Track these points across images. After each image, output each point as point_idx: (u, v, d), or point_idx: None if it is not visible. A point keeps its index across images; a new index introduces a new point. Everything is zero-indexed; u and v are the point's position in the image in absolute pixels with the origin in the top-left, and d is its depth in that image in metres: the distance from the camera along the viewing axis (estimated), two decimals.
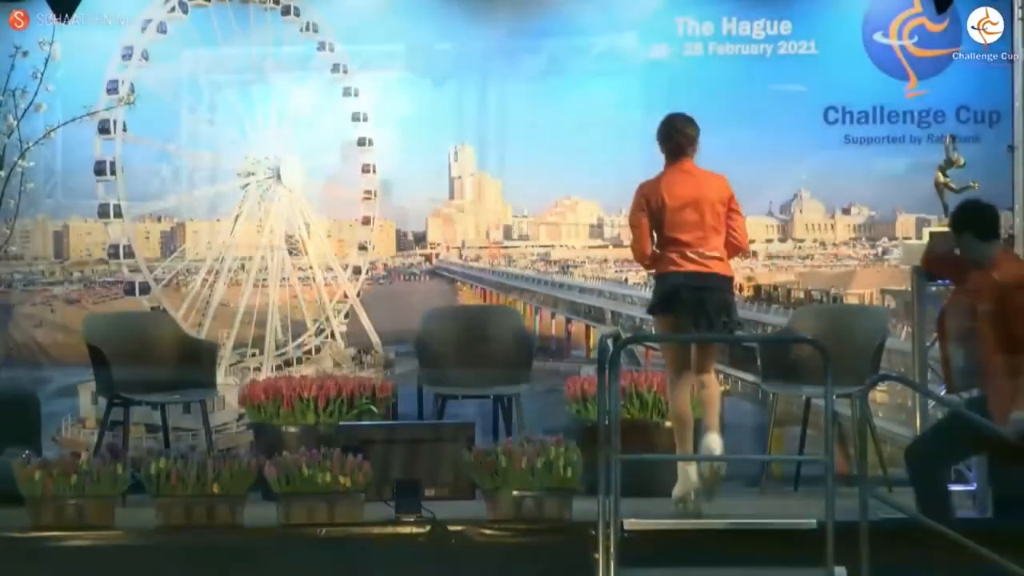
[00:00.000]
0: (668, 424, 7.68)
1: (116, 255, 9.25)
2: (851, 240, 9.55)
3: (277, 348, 9.42)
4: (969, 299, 6.13)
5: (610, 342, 6.10)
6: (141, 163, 9.20)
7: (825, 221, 9.68)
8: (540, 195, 9.72)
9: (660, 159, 6.93)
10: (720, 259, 6.81)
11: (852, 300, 9.22)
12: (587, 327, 9.63)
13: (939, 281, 7.43)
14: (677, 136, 6.88)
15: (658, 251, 6.81)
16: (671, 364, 6.92)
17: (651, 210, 6.79)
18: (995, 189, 8.92)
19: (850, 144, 9.15)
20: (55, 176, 8.94)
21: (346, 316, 9.51)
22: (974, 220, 6.25)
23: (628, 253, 9.54)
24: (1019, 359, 5.94)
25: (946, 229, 7.04)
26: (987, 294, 6.07)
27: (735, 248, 6.98)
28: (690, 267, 6.74)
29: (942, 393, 6.56)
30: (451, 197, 9.74)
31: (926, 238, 7.38)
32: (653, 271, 6.93)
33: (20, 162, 8.34)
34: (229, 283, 9.37)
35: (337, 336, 9.50)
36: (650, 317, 7.14)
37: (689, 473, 6.77)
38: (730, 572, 6.11)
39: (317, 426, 7.61)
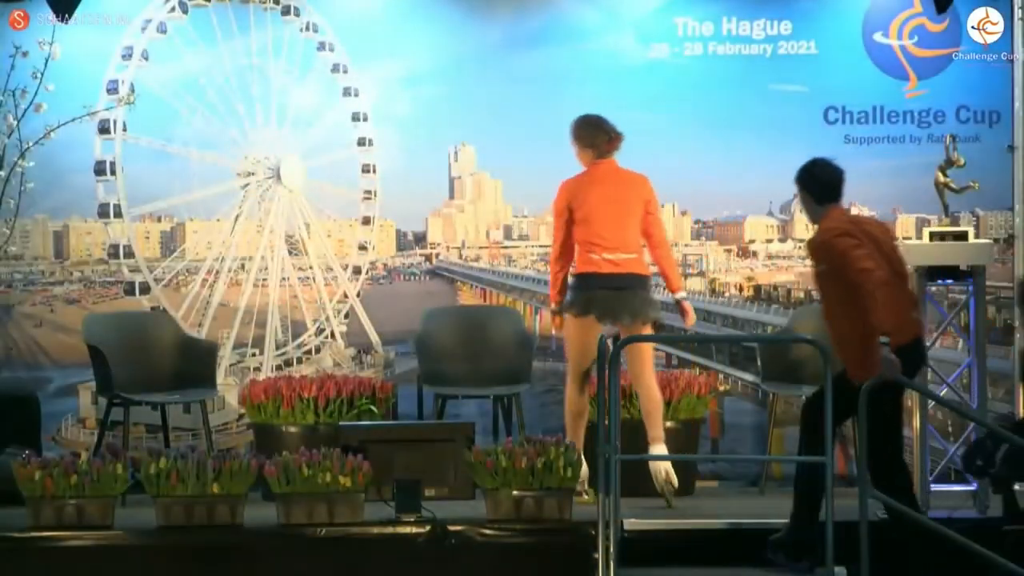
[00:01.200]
0: (668, 424, 7.72)
1: (116, 255, 9.25)
2: None
3: (277, 348, 9.42)
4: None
5: (610, 342, 6.11)
6: (141, 163, 9.20)
7: None
8: (540, 195, 9.69)
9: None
10: (637, 259, 6.91)
11: None
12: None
13: (939, 280, 7.44)
14: (605, 135, 6.98)
15: (577, 248, 6.96)
16: (573, 359, 7.07)
17: (572, 208, 6.89)
18: (995, 189, 8.94)
19: (850, 144, 9.15)
20: (55, 176, 8.93)
21: (346, 316, 9.51)
22: (810, 180, 6.23)
23: None
24: (854, 319, 5.92)
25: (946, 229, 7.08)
26: (812, 257, 6.12)
27: (656, 244, 7.09)
28: (607, 268, 6.86)
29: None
30: (451, 197, 9.74)
31: (926, 238, 7.38)
32: (572, 269, 7.07)
33: (20, 162, 8.34)
34: (229, 283, 9.37)
35: (337, 336, 9.50)
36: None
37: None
38: (730, 572, 6.12)
39: (317, 426, 7.62)
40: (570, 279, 7.10)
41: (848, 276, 5.87)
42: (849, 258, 5.88)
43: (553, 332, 7.40)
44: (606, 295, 6.88)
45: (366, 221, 9.60)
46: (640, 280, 6.98)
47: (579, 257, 6.99)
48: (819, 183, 6.19)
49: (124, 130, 9.11)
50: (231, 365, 9.26)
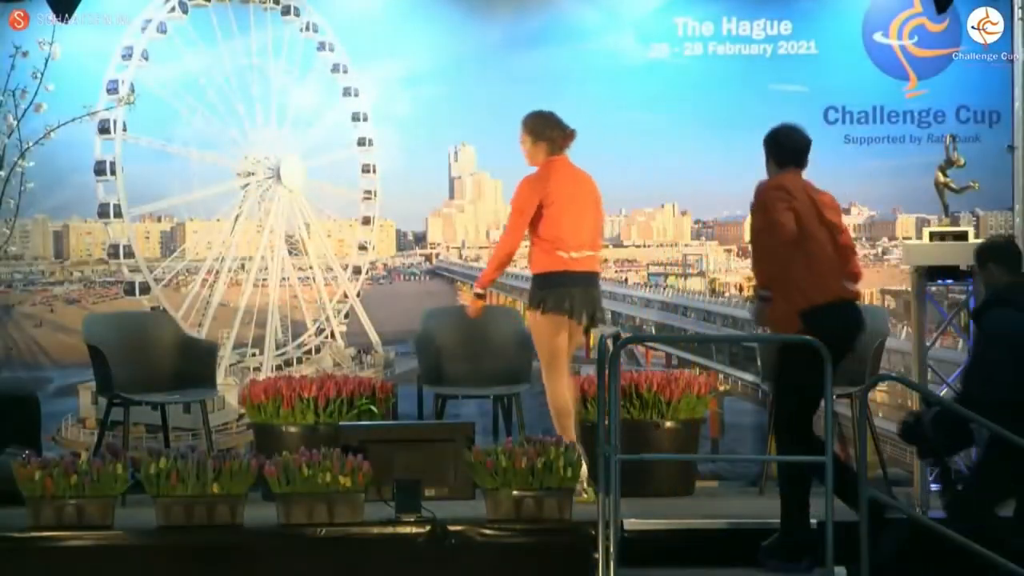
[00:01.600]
0: (668, 424, 7.73)
1: (116, 255, 9.25)
2: None
3: (277, 348, 9.42)
4: None
5: (610, 342, 6.11)
6: (141, 163, 9.20)
7: None
8: None
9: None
10: (595, 256, 7.00)
11: None
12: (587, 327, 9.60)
13: (939, 280, 7.45)
14: (560, 130, 7.00)
15: (542, 244, 6.97)
16: (547, 357, 7.09)
17: (542, 204, 6.91)
18: (995, 189, 8.94)
19: (850, 144, 9.16)
20: (55, 176, 8.93)
21: (346, 316, 9.51)
22: (774, 144, 6.26)
23: (628, 253, 9.58)
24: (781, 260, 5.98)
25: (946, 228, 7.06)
26: (751, 211, 6.21)
27: (598, 246, 7.20)
28: (575, 266, 6.90)
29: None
30: (451, 197, 9.74)
31: (926, 238, 7.39)
32: (534, 268, 7.07)
33: (20, 162, 8.33)
34: (229, 283, 9.37)
35: (337, 336, 9.50)
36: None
37: None
38: (730, 572, 6.12)
39: (317, 426, 7.62)
40: (532, 276, 7.11)
41: (766, 228, 5.94)
42: (772, 210, 5.93)
43: (470, 315, 7.34)
44: (576, 292, 6.94)
45: (366, 221, 9.60)
46: (597, 278, 7.15)
47: (544, 255, 6.98)
48: (782, 148, 6.23)
49: (124, 130, 9.11)
50: (231, 365, 9.26)
